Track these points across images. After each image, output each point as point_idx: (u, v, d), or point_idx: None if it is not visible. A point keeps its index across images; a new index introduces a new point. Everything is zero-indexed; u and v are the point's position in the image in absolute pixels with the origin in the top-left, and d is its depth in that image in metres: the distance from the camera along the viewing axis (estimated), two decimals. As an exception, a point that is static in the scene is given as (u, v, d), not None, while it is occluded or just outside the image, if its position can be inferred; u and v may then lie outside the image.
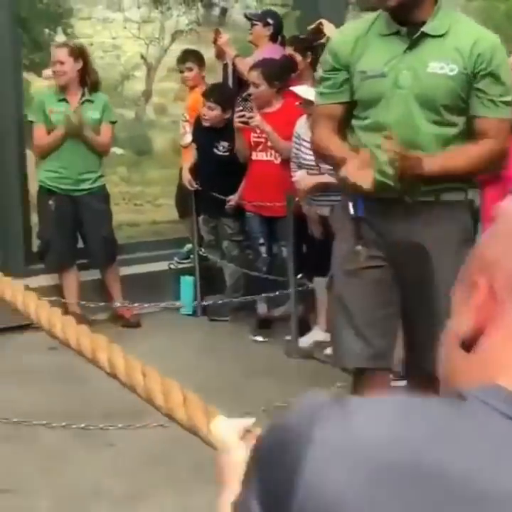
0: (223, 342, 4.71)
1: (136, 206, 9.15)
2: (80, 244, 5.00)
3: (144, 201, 9.25)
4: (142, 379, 1.09)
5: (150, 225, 8.54)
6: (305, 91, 4.01)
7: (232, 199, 4.89)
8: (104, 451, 3.25)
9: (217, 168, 4.88)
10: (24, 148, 5.08)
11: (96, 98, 4.88)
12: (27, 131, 5.01)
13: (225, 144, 4.88)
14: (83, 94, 4.83)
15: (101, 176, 4.92)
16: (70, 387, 4.03)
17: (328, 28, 3.98)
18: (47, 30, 14.37)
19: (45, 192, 4.80)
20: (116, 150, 9.72)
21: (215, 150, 4.93)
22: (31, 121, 4.83)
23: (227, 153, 4.89)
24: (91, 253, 4.95)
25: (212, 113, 4.85)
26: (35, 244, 5.10)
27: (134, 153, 12.72)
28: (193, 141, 5.10)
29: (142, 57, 17.82)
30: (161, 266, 5.39)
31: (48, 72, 5.14)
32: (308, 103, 3.97)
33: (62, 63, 4.70)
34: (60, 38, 16.60)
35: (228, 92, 4.95)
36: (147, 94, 17.63)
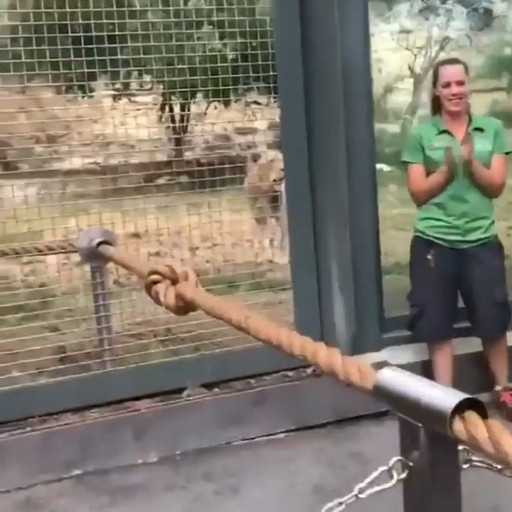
0: None
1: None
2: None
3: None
4: None
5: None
6: None
7: None
8: None
9: None
10: (376, 198, 4.21)
11: (486, 125, 3.87)
12: (383, 176, 4.17)
13: None
14: (470, 122, 3.85)
15: (492, 223, 3.90)
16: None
17: None
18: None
19: (422, 244, 3.88)
20: (384, 167, 9.16)
21: None
22: (406, 163, 3.95)
23: None
24: (475, 320, 3.93)
25: None
26: (387, 309, 4.21)
27: (401, 170, 11.87)
28: None
29: (409, 68, 17.01)
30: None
31: None
32: None
33: (461, 83, 3.77)
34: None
35: None
36: (413, 107, 16.81)
